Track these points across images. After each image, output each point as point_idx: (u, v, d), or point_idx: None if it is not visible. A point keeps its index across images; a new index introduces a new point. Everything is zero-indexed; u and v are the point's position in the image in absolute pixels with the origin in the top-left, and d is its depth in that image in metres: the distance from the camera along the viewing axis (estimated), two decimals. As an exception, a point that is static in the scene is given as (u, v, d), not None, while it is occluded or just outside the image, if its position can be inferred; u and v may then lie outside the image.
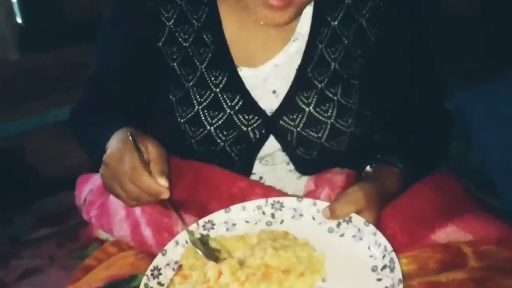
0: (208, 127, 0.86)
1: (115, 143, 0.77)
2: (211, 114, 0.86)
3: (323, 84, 0.86)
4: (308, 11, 0.86)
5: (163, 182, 0.71)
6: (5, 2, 1.84)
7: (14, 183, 1.84)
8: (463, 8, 2.12)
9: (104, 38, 0.93)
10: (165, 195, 0.71)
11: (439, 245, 0.78)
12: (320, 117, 0.86)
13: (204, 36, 0.87)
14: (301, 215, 0.78)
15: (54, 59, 1.98)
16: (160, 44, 0.87)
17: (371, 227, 0.72)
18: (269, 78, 0.87)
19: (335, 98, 0.86)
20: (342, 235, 0.74)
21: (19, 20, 1.99)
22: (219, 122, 0.86)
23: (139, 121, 0.96)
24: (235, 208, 0.79)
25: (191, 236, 0.75)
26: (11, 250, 1.67)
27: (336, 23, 0.86)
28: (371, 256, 0.70)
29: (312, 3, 0.85)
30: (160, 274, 0.73)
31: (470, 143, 1.70)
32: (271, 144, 0.88)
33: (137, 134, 0.76)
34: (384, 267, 0.68)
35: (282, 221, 0.79)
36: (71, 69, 1.82)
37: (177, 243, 0.76)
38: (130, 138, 0.74)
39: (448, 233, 0.80)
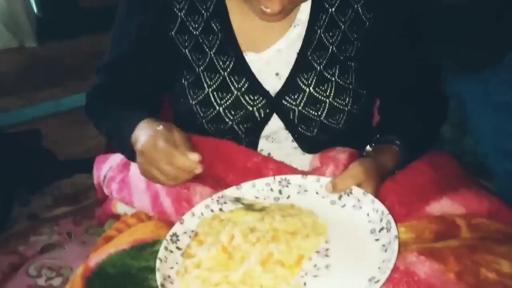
0: (218, 108, 0.93)
1: (144, 133, 0.82)
2: (220, 96, 0.92)
3: (321, 66, 0.92)
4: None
5: (195, 156, 0.78)
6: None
7: (32, 165, 1.89)
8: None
9: (119, 27, 0.97)
10: (199, 169, 0.78)
11: (434, 217, 0.84)
12: (319, 96, 0.92)
13: (213, 25, 0.92)
14: (305, 190, 0.85)
15: (69, 47, 2.01)
16: (173, 33, 0.93)
17: (370, 196, 0.79)
18: (272, 61, 0.93)
19: (333, 78, 0.92)
20: (343, 206, 0.81)
21: (35, 10, 2.03)
22: (227, 103, 0.92)
23: (152, 105, 1.02)
24: (246, 185, 0.86)
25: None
26: (30, 227, 1.74)
27: (333, 9, 0.92)
28: (369, 221, 0.77)
29: None
30: (178, 240, 0.79)
31: (465, 128, 1.74)
32: (275, 123, 0.95)
33: (162, 122, 0.83)
34: (381, 229, 0.74)
35: (288, 196, 0.85)
36: (85, 57, 1.85)
37: (193, 214, 0.82)
38: (161, 126, 0.81)
39: (442, 205, 0.85)
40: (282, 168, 0.91)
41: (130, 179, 0.94)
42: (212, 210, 0.83)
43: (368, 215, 0.78)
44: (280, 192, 0.86)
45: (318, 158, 0.95)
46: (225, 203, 0.84)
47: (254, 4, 0.82)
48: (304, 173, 0.91)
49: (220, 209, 0.84)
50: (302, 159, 0.98)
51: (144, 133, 0.82)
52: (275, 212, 0.80)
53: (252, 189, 0.86)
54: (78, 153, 1.97)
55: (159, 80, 0.99)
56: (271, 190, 0.86)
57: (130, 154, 0.87)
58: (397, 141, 0.88)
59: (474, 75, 1.73)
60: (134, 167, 0.93)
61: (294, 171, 0.92)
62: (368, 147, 0.91)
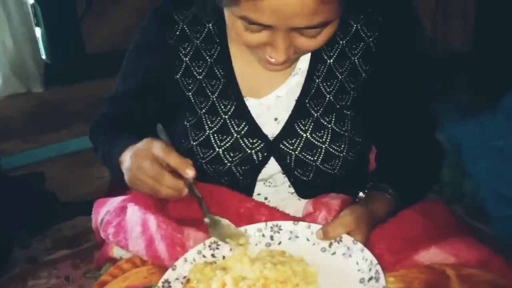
0: (217, 149, 0.95)
1: (129, 153, 0.87)
2: (220, 138, 0.95)
3: (319, 114, 0.95)
4: None
5: (188, 159, 0.82)
6: (32, 40, 1.95)
7: (34, 208, 1.91)
8: (456, 45, 2.21)
9: (128, 65, 1.03)
10: (190, 172, 0.82)
11: (424, 266, 0.83)
12: (316, 142, 0.94)
13: (216, 70, 0.97)
14: (296, 236, 0.86)
15: (74, 92, 2.06)
16: (177, 76, 0.98)
17: (359, 245, 0.79)
18: (272, 107, 0.97)
19: (329, 125, 0.94)
20: (333, 254, 0.82)
21: (43, 56, 2.10)
22: (227, 145, 0.95)
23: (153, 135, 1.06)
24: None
25: (209, 219, 0.86)
26: (29, 271, 1.73)
27: (331, 60, 0.96)
28: (359, 270, 0.77)
29: None
30: (170, 286, 0.79)
31: (463, 171, 1.75)
32: (272, 166, 0.97)
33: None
34: (370, 278, 0.75)
35: (280, 243, 0.86)
36: (90, 101, 1.91)
37: (185, 260, 0.82)
38: (140, 144, 0.86)
39: (432, 255, 0.84)
40: (274, 214, 0.93)
41: (126, 223, 0.94)
42: (204, 256, 0.84)
43: (357, 263, 0.78)
44: (271, 238, 0.87)
45: (311, 203, 0.97)
46: (217, 248, 0.85)
47: (260, 54, 0.85)
48: (295, 219, 0.92)
49: (212, 255, 0.84)
50: (297, 204, 0.99)
51: (139, 143, 0.87)
52: (266, 259, 0.80)
53: None
54: (80, 195, 1.98)
55: (161, 118, 1.02)
56: (263, 235, 0.87)
57: (116, 170, 0.92)
58: (390, 189, 0.90)
59: (470, 119, 1.75)
60: (130, 211, 0.94)
61: (286, 217, 0.93)
62: (360, 194, 0.92)
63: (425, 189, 1.00)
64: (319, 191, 0.98)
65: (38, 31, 2.06)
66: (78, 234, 1.91)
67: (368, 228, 0.83)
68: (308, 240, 0.85)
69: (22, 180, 1.94)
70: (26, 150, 2.01)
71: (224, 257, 0.84)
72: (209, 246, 0.85)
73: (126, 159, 0.87)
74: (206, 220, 0.86)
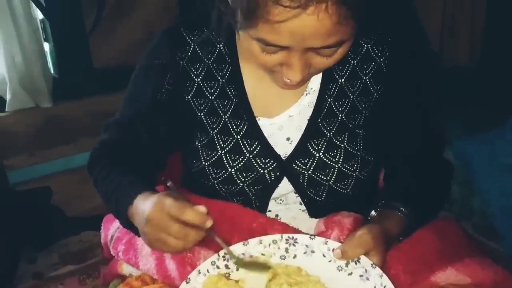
0: (230, 170, 0.95)
1: (149, 202, 0.80)
2: (232, 158, 0.95)
3: (331, 133, 0.95)
4: None
5: (202, 209, 0.77)
6: (41, 56, 1.96)
7: (40, 223, 1.90)
8: (464, 61, 2.21)
9: (135, 87, 1.01)
10: (209, 222, 0.77)
11: (439, 286, 0.83)
12: (329, 162, 0.94)
13: (228, 90, 0.97)
14: (312, 251, 0.85)
15: (82, 107, 2.06)
16: (189, 97, 0.97)
17: (378, 270, 0.78)
18: (284, 126, 0.96)
19: (342, 145, 0.94)
20: (350, 274, 0.81)
21: (52, 70, 2.11)
22: (239, 165, 0.95)
23: (157, 165, 1.04)
24: (253, 241, 0.86)
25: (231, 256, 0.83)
26: (35, 286, 1.72)
27: (343, 80, 0.96)
28: None
29: None
30: None
31: (473, 188, 1.74)
32: (285, 186, 0.96)
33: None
34: None
35: (295, 256, 0.85)
36: (98, 116, 1.92)
37: (199, 272, 0.82)
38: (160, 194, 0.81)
39: (448, 275, 0.85)
40: (288, 230, 0.92)
41: (136, 240, 0.94)
42: (218, 267, 0.83)
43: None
44: (286, 250, 0.86)
45: (323, 222, 0.96)
46: (231, 259, 0.84)
47: (276, 75, 0.86)
48: (310, 234, 0.90)
49: (226, 266, 0.84)
50: (309, 223, 0.99)
51: (148, 202, 0.81)
52: (282, 278, 0.79)
53: (259, 246, 0.86)
54: (87, 210, 1.97)
55: (170, 141, 1.02)
56: (278, 248, 0.86)
57: (125, 222, 0.87)
58: (402, 208, 0.89)
59: (480, 136, 1.75)
60: None
61: (299, 232, 0.92)
62: (373, 212, 0.91)
63: (437, 208, 0.99)
64: (331, 210, 0.97)
65: (47, 46, 2.08)
66: (85, 249, 1.90)
67: (385, 248, 0.83)
68: (324, 256, 0.84)
69: (29, 194, 1.94)
70: (33, 164, 2.01)
71: (238, 269, 0.83)
72: (223, 257, 0.84)
73: (138, 218, 0.82)
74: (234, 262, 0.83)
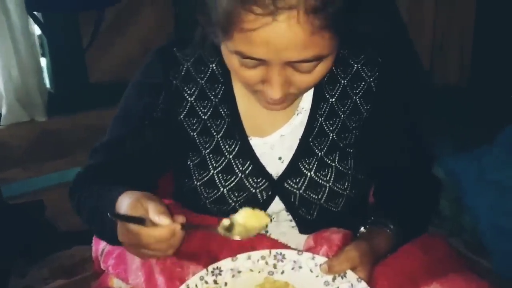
0: (221, 189, 0.96)
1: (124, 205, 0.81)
2: (225, 178, 0.95)
3: (322, 153, 0.96)
4: (310, 89, 0.95)
5: (163, 221, 0.76)
6: (37, 70, 1.98)
7: (33, 237, 1.89)
8: (454, 80, 2.25)
9: (126, 106, 0.99)
10: (178, 229, 0.77)
11: None
12: (320, 181, 0.95)
13: (221, 110, 0.97)
14: (300, 267, 0.85)
15: (77, 121, 2.08)
16: (182, 116, 0.97)
17: (363, 283, 0.79)
18: (275, 146, 0.97)
19: (333, 164, 0.96)
20: None
21: (48, 85, 2.12)
22: (231, 185, 0.95)
23: (146, 188, 1.02)
24: (241, 256, 0.87)
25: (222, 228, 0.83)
26: (24, 301, 1.71)
27: (333, 99, 0.97)
28: None
29: None
30: None
31: (463, 205, 1.75)
32: (277, 205, 0.97)
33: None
34: None
35: (283, 272, 0.86)
36: (92, 130, 1.93)
37: (188, 286, 0.82)
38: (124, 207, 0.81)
39: None
40: (277, 246, 0.92)
41: (126, 255, 0.94)
42: (206, 282, 0.84)
43: None
44: (275, 266, 0.86)
45: (312, 238, 0.97)
46: (219, 274, 0.85)
47: (258, 94, 0.86)
48: (299, 250, 0.91)
49: (215, 281, 0.84)
50: (298, 239, 1.00)
51: (124, 205, 0.81)
52: (269, 292, 0.80)
53: (247, 261, 0.87)
54: (79, 224, 1.95)
55: (161, 160, 1.01)
56: (266, 263, 0.86)
57: (112, 237, 0.86)
58: (390, 225, 0.90)
59: (468, 153, 1.77)
60: None
61: (288, 249, 0.92)
62: (362, 229, 0.92)
63: (425, 224, 1.01)
64: (321, 227, 0.98)
65: (43, 61, 2.10)
66: (76, 263, 1.88)
67: (371, 265, 0.84)
68: (311, 271, 0.84)
69: (22, 208, 1.94)
70: (27, 178, 2.01)
71: (226, 284, 0.84)
72: (212, 272, 0.85)
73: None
74: (220, 230, 0.82)
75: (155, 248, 0.79)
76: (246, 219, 0.84)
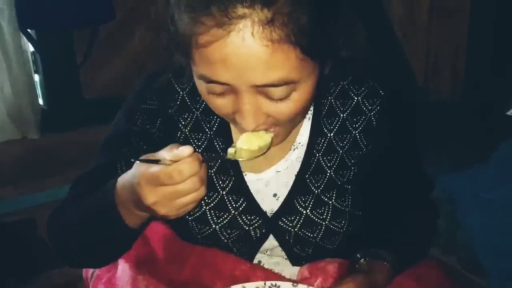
0: (214, 226, 0.93)
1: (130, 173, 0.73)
2: (217, 214, 0.93)
3: (319, 190, 0.93)
4: (307, 123, 0.93)
5: (186, 150, 0.68)
6: (30, 87, 1.97)
7: (25, 254, 1.87)
8: (447, 96, 2.26)
9: (117, 131, 0.93)
10: (190, 149, 0.68)
11: None
12: (316, 219, 0.93)
13: (215, 143, 0.93)
14: None
15: (70, 138, 2.07)
16: None
17: None
18: (271, 182, 0.94)
19: (330, 202, 0.93)
20: None
21: (41, 102, 2.12)
22: (224, 222, 0.93)
23: None
24: None
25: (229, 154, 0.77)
26: (16, 321, 1.70)
27: (332, 134, 0.93)
28: None
29: (311, 116, 0.93)
30: None
31: (457, 222, 1.75)
32: (271, 242, 0.95)
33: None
34: None
35: None
36: (85, 147, 1.90)
37: None
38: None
39: None
40: (271, 277, 0.91)
41: (116, 281, 0.92)
42: None
43: None
44: None
45: (307, 268, 0.95)
46: None
47: (240, 129, 0.82)
48: (293, 281, 0.91)
49: None
50: (291, 269, 0.98)
51: (130, 173, 0.74)
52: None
53: None
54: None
55: None
56: None
57: (118, 224, 0.78)
58: (389, 257, 0.88)
59: (463, 171, 1.77)
60: (120, 269, 0.92)
61: (282, 279, 0.92)
62: (362, 261, 0.89)
63: (422, 253, 0.99)
64: (315, 260, 0.96)
65: (37, 77, 2.09)
66: (68, 282, 1.86)
67: None
68: None
69: (13, 226, 1.92)
70: (19, 196, 1.99)
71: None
72: None
73: (129, 193, 0.73)
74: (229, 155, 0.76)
75: (188, 188, 0.68)
76: (248, 142, 0.77)
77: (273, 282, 0.86)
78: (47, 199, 2.03)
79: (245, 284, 0.86)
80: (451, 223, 1.79)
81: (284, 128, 0.82)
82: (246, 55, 0.67)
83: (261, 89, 0.72)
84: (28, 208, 2.01)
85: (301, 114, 0.81)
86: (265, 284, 0.86)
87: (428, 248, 1.02)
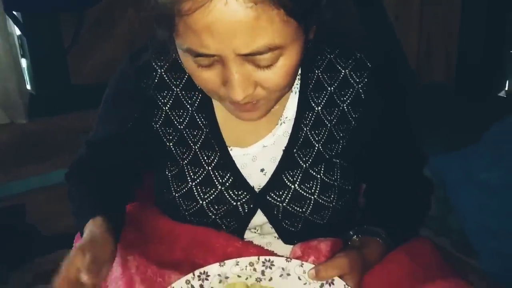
0: (201, 202, 0.92)
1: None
2: (204, 190, 0.92)
3: (307, 164, 0.93)
4: (294, 97, 0.93)
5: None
6: (17, 71, 1.94)
7: (14, 241, 1.87)
8: (440, 79, 2.26)
9: (105, 111, 0.98)
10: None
11: None
12: (304, 193, 0.92)
13: (198, 119, 0.92)
14: (288, 274, 0.84)
15: (58, 123, 2.04)
16: (157, 126, 0.94)
17: None
18: (258, 157, 0.94)
19: (318, 176, 0.93)
20: None
21: (28, 87, 2.08)
22: (211, 198, 0.92)
23: (134, 180, 1.04)
24: (229, 262, 0.85)
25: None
26: (6, 307, 1.69)
27: (320, 108, 0.92)
28: None
29: (297, 90, 0.93)
30: None
31: (450, 205, 1.76)
32: (259, 218, 0.95)
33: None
34: None
35: (271, 279, 0.85)
36: (74, 132, 1.90)
37: None
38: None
39: None
40: (263, 253, 0.91)
41: None
42: (192, 286, 0.83)
43: None
44: (263, 273, 0.85)
45: (299, 247, 0.95)
46: (206, 279, 0.84)
47: (227, 105, 0.82)
48: (287, 257, 0.90)
49: (201, 286, 0.83)
50: (283, 248, 0.98)
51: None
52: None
53: (235, 267, 0.85)
54: (63, 228, 1.94)
55: (142, 165, 1.00)
56: (254, 270, 0.85)
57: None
58: (382, 234, 0.88)
59: (455, 152, 1.77)
60: None
61: (276, 255, 0.91)
62: (354, 237, 0.90)
63: (416, 227, 1.00)
64: (306, 238, 0.95)
65: (24, 62, 2.06)
66: (58, 268, 1.85)
67: (360, 274, 0.82)
68: (299, 279, 0.84)
69: (2, 212, 1.90)
70: (7, 181, 1.97)
71: None
72: (198, 276, 0.84)
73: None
74: None
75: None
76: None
77: (267, 258, 0.86)
78: (37, 185, 2.02)
79: (239, 259, 0.86)
80: (444, 208, 1.79)
81: (268, 101, 0.81)
82: (231, 20, 0.66)
83: (247, 58, 0.72)
84: (18, 194, 1.99)
85: (287, 84, 0.80)
86: (258, 259, 0.86)
87: (422, 222, 1.02)
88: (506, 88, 2.18)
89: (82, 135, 1.15)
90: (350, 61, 0.92)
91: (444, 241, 1.79)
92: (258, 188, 0.93)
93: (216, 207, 0.92)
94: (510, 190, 1.58)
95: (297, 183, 0.92)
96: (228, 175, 0.92)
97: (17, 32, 2.00)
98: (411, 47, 2.29)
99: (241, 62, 0.72)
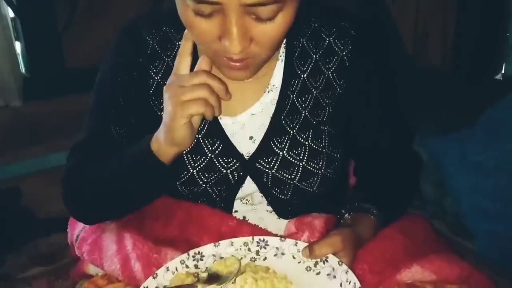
0: (191, 170, 0.93)
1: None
2: (194, 158, 0.93)
3: (294, 131, 0.93)
4: (280, 65, 0.94)
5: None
6: (11, 54, 1.93)
7: (9, 224, 1.87)
8: (436, 62, 2.26)
9: (102, 92, 0.96)
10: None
11: (406, 284, 0.84)
12: (293, 160, 0.93)
13: None
14: (283, 253, 0.85)
15: (53, 106, 2.04)
16: (149, 95, 0.95)
17: (344, 266, 0.79)
18: (246, 125, 0.95)
19: (306, 143, 0.93)
20: (318, 273, 0.81)
21: (23, 70, 2.07)
22: (201, 165, 0.93)
23: None
24: (224, 243, 0.86)
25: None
26: (3, 288, 1.69)
27: (305, 75, 0.94)
28: None
29: (283, 58, 0.94)
30: None
31: (445, 189, 1.76)
32: (249, 186, 0.95)
33: None
34: None
35: (265, 258, 0.85)
36: (69, 116, 1.88)
37: (167, 269, 0.82)
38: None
39: (413, 273, 0.85)
40: (257, 232, 0.91)
41: (102, 240, 0.92)
42: (187, 266, 0.83)
43: (341, 285, 0.78)
44: (257, 253, 0.86)
45: (294, 223, 0.95)
46: (201, 259, 0.84)
47: (219, 61, 0.82)
48: (281, 236, 0.91)
49: (196, 266, 0.83)
50: (277, 224, 0.98)
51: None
52: (248, 274, 0.79)
53: (230, 248, 0.86)
54: (58, 211, 1.93)
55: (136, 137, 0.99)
56: (249, 250, 0.86)
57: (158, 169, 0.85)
58: (374, 210, 0.89)
59: (450, 135, 1.78)
60: (107, 226, 0.93)
61: (269, 234, 0.92)
62: (346, 215, 0.91)
63: (407, 203, 1.00)
64: (298, 210, 0.96)
65: (18, 45, 2.04)
66: (54, 250, 1.86)
67: (354, 251, 0.83)
68: (294, 257, 0.84)
69: (-2, 195, 1.90)
70: (3, 165, 1.97)
71: (207, 268, 0.83)
72: (193, 256, 0.84)
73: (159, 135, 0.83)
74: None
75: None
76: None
77: (261, 237, 0.86)
78: (32, 168, 2.02)
79: (233, 240, 0.86)
80: (439, 190, 1.80)
81: (259, 60, 0.83)
82: None
83: (249, 9, 0.72)
84: (13, 177, 1.99)
85: (278, 42, 0.81)
86: (253, 239, 0.86)
87: (412, 197, 1.02)
88: (503, 71, 2.18)
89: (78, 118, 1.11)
90: (334, 30, 0.94)
91: (439, 224, 1.80)
92: (247, 156, 0.94)
93: (206, 175, 0.93)
94: (504, 172, 1.59)
95: (285, 149, 0.93)
96: (218, 143, 0.93)
97: (11, 14, 1.98)
98: (408, 31, 2.28)
99: (242, 14, 0.73)
